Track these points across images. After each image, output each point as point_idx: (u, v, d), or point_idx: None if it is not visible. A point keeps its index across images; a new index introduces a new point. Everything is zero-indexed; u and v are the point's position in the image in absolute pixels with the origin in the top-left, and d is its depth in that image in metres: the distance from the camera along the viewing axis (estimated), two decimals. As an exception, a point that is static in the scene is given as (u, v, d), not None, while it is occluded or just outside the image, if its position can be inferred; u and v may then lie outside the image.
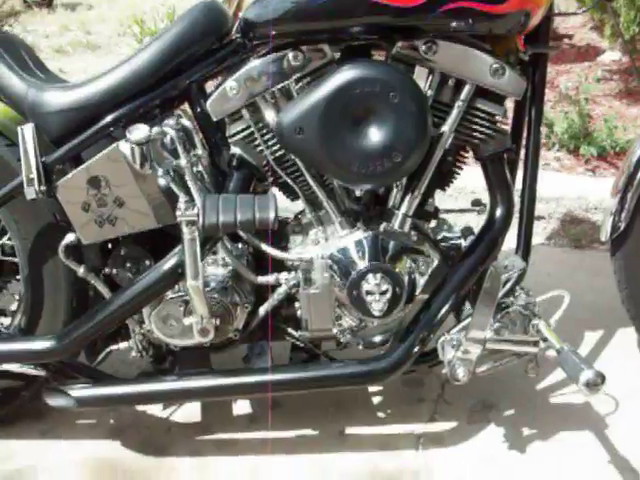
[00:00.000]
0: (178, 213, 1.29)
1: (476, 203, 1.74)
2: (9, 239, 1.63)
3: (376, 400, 1.75)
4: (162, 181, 1.42)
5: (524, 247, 1.51)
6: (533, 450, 1.58)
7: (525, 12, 1.34)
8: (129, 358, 1.87)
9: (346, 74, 1.29)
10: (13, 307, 1.74)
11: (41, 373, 1.57)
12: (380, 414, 1.71)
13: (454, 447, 1.60)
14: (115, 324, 1.46)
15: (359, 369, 1.44)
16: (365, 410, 1.72)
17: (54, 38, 4.41)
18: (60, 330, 1.55)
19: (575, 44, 4.11)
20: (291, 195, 1.54)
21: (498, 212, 1.49)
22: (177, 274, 1.39)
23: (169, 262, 1.40)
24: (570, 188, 2.49)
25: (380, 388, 1.77)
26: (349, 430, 1.66)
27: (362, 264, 1.40)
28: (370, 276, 1.37)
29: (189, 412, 1.73)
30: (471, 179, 1.80)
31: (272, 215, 1.26)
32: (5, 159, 1.52)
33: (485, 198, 1.82)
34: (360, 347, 1.49)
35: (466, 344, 1.38)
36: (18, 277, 1.69)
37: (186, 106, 1.56)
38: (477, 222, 2.14)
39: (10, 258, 1.66)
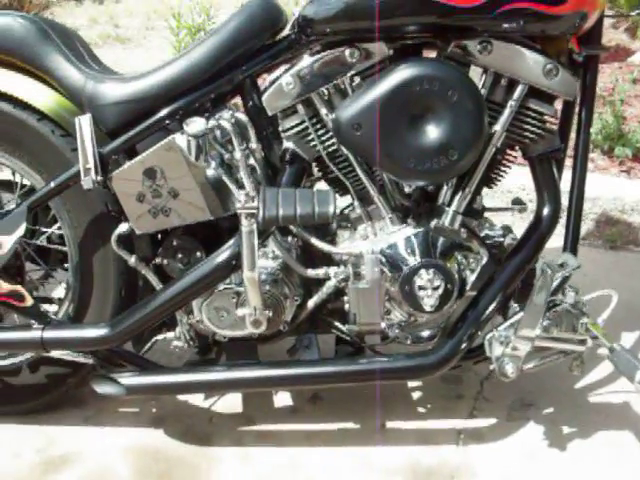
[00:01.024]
0: (238, 205, 1.30)
1: (516, 202, 1.76)
2: (58, 228, 1.66)
3: (415, 395, 1.76)
4: (215, 173, 1.44)
5: (572, 246, 1.52)
6: (573, 448, 1.59)
7: (582, 13, 1.35)
8: (169, 348, 1.92)
9: (405, 72, 1.31)
10: (57, 294, 1.78)
11: (89, 361, 1.59)
12: (420, 409, 1.72)
13: (494, 443, 1.62)
14: (167, 314, 1.48)
15: (408, 363, 1.46)
16: (405, 405, 1.73)
17: (83, 31, 4.42)
18: (112, 318, 1.58)
19: (604, 45, 4.09)
20: (340, 190, 1.55)
21: (545, 211, 1.50)
22: (231, 266, 1.41)
23: (223, 254, 1.42)
24: (606, 189, 2.49)
25: (419, 384, 1.79)
26: (390, 424, 1.67)
27: (414, 260, 1.41)
28: (423, 272, 1.39)
29: (230, 402, 1.75)
30: (508, 178, 1.81)
31: (332, 210, 1.28)
32: (60, 149, 1.54)
33: (523, 197, 1.84)
34: (408, 342, 1.50)
35: (515, 341, 1.40)
36: (65, 266, 1.72)
37: (236, 100, 1.58)
38: (512, 221, 2.16)
39: (58, 247, 1.69)
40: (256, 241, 1.33)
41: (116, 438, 1.68)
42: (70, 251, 1.63)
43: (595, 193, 2.44)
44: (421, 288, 1.39)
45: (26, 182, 1.67)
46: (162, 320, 1.50)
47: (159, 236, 1.58)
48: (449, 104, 1.31)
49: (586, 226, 2.47)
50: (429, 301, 1.39)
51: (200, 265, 1.43)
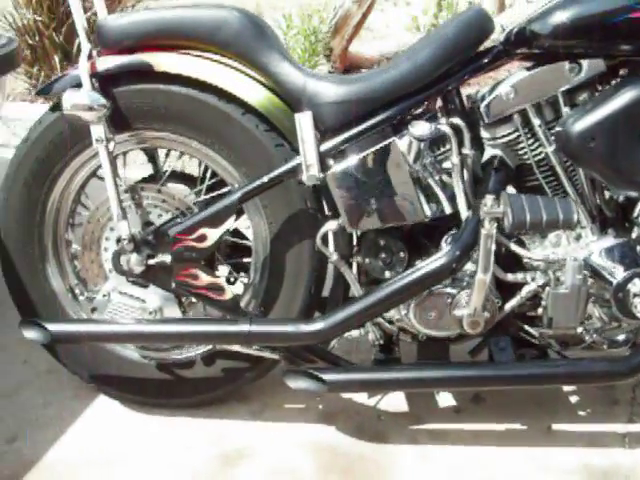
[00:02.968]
0: (484, 209, 1.34)
1: None
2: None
3: (573, 400, 1.82)
4: (431, 176, 1.48)
5: None
6: None
7: None
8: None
9: (643, 89, 1.37)
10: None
11: (274, 356, 1.61)
12: (580, 413, 1.78)
13: (659, 447, 1.69)
14: (381, 313, 1.51)
15: (608, 368, 1.51)
16: (565, 409, 1.78)
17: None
18: (298, 315, 1.60)
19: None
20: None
21: None
22: (451, 269, 1.44)
23: (444, 257, 1.43)
24: None
25: (573, 388, 1.85)
26: (555, 427, 1.73)
27: (625, 268, 1.46)
28: (637, 280, 1.45)
29: (394, 400, 1.78)
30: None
31: (576, 217, 1.34)
32: (263, 144, 1.55)
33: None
34: (604, 347, 1.56)
35: None
36: (245, 260, 1.73)
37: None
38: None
39: (240, 241, 1.70)
40: (493, 245, 1.37)
41: (286, 433, 1.70)
42: (256, 246, 1.64)
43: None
44: (636, 296, 1.45)
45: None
46: (374, 318, 1.53)
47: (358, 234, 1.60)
48: (680, 123, 1.38)
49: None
50: (642, 309, 1.45)
51: (419, 267, 1.45)
